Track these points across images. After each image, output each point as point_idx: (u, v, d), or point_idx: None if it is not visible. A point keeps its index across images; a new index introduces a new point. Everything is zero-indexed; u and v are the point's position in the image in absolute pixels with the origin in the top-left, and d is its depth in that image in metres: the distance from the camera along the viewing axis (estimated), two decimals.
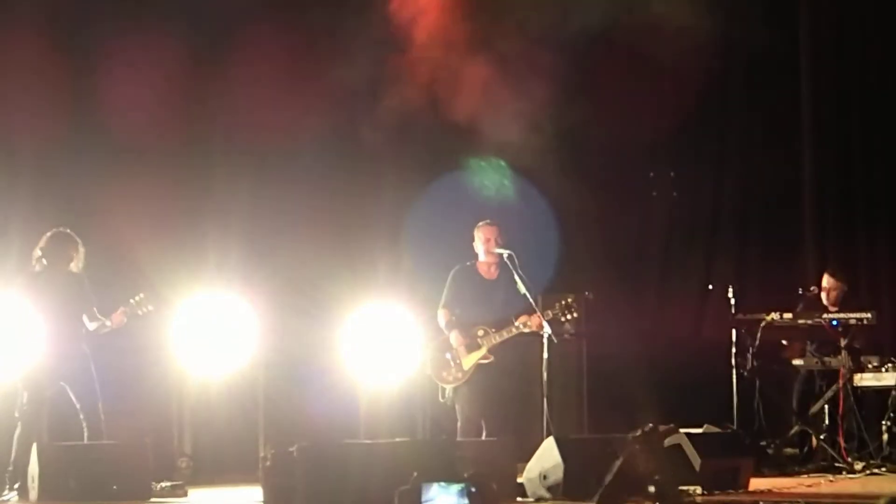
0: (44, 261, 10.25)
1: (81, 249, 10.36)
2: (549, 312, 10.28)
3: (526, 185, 11.71)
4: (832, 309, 12.06)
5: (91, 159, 11.63)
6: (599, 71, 12.71)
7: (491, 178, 10.63)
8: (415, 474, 3.74)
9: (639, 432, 3.94)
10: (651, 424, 4.03)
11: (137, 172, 11.60)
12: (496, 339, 10.29)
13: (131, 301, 10.33)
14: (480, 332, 10.35)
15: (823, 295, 12.21)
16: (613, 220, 13.22)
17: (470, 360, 10.31)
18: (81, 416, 10.17)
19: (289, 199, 12.30)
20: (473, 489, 3.86)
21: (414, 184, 12.69)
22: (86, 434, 10.11)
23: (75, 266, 10.35)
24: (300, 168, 12.30)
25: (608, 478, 3.98)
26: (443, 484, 3.77)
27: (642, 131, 12.68)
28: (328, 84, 11.94)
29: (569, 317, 10.39)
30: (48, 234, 10.32)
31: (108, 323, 10.31)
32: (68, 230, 10.36)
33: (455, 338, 10.36)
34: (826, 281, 12.28)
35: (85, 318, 10.29)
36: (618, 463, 4.03)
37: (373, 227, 12.70)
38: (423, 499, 3.79)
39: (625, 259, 13.37)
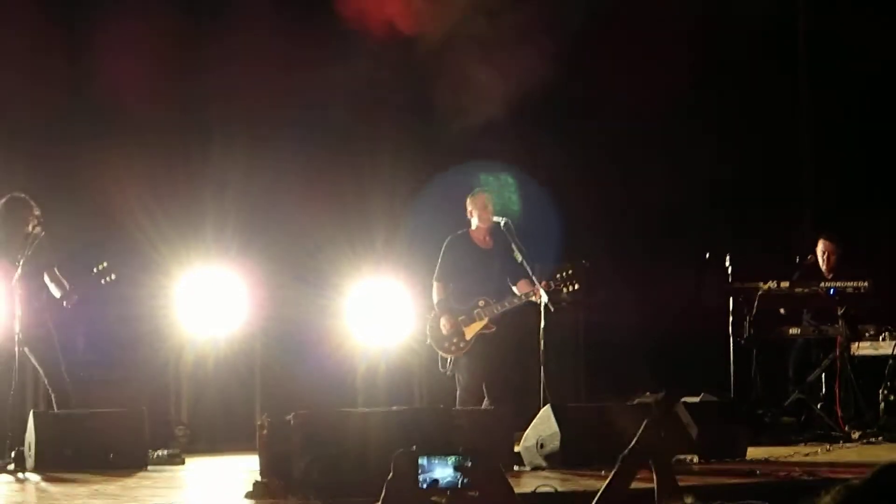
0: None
1: (37, 213, 10.07)
2: (551, 284, 10.20)
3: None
4: (829, 274, 12.06)
5: (87, 128, 11.58)
6: (597, 42, 12.68)
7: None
8: (413, 448, 3.71)
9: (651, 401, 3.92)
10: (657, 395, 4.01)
11: (134, 142, 11.57)
12: (498, 309, 10.28)
13: (94, 270, 10.06)
14: (481, 303, 10.32)
15: (820, 259, 12.19)
16: (611, 190, 13.19)
17: (472, 330, 10.31)
18: (46, 382, 10.10)
19: (286, 169, 12.26)
20: (470, 463, 3.84)
21: (411, 155, 12.68)
22: (53, 399, 10.03)
23: (33, 229, 10.03)
24: (297, 138, 12.26)
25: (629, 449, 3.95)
26: (440, 457, 3.74)
27: (641, 101, 12.63)
28: (326, 54, 11.90)
29: (570, 288, 10.31)
30: (2, 200, 10.13)
31: (66, 299, 10.06)
32: (23, 195, 10.15)
33: (444, 323, 10.34)
34: (822, 244, 12.26)
35: (47, 281, 10.03)
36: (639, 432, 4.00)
37: (371, 196, 12.66)
38: (420, 472, 3.75)
39: (622, 227, 13.34)
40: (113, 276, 10.06)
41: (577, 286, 10.27)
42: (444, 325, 10.34)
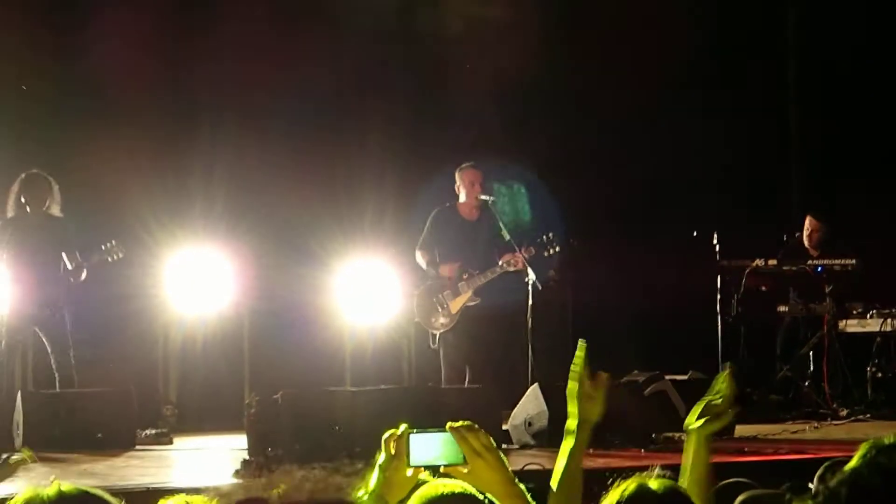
0: (17, 204, 10.12)
1: (55, 187, 10.18)
2: (532, 248, 10.22)
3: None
4: (815, 252, 12.06)
5: (76, 110, 11.55)
6: (585, 21, 12.69)
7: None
8: (404, 426, 3.70)
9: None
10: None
11: (123, 123, 11.54)
12: (480, 280, 10.28)
13: (102, 247, 10.19)
14: (465, 276, 10.33)
15: (806, 238, 12.19)
16: (598, 168, 13.17)
17: (457, 304, 10.32)
18: (52, 363, 10.11)
19: (275, 148, 12.23)
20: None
21: (401, 134, 12.66)
22: (57, 380, 10.05)
23: (55, 208, 10.20)
24: (286, 118, 12.24)
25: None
26: (429, 433, 3.74)
27: (628, 80, 12.63)
28: (315, 36, 11.88)
29: (551, 251, 10.30)
30: (21, 176, 10.19)
31: (81, 275, 10.17)
32: (40, 171, 10.24)
33: (445, 270, 10.36)
34: (809, 223, 12.26)
35: (66, 261, 10.10)
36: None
37: (359, 174, 12.65)
38: (411, 447, 3.75)
39: (609, 206, 13.33)
40: (121, 255, 10.16)
41: (558, 248, 10.27)
42: (447, 270, 10.35)
